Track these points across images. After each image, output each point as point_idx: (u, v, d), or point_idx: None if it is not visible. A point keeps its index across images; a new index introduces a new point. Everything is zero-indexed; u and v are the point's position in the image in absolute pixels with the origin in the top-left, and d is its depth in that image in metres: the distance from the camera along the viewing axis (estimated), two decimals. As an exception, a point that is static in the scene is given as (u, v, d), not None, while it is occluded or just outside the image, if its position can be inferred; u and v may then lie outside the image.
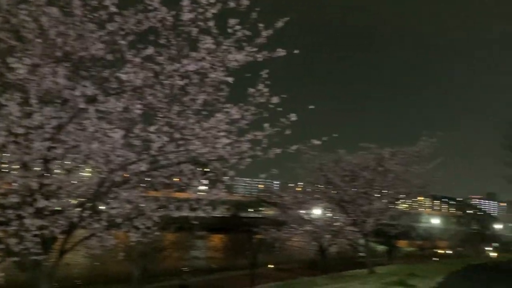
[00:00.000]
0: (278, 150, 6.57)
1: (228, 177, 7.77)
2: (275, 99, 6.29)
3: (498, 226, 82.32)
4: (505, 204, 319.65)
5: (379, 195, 21.12)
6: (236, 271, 37.64)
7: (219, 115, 5.83)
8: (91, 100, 5.26)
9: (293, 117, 6.10)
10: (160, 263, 33.36)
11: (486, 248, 69.90)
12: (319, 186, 22.67)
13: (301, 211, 26.58)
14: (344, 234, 26.23)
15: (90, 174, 6.67)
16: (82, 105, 5.05)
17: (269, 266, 43.37)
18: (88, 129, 5.25)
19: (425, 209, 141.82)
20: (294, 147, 6.66)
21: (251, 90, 6.23)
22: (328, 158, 21.54)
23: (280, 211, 28.06)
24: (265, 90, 6.25)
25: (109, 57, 5.56)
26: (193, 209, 8.26)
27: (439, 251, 68.02)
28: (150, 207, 7.57)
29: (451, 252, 60.51)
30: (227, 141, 5.72)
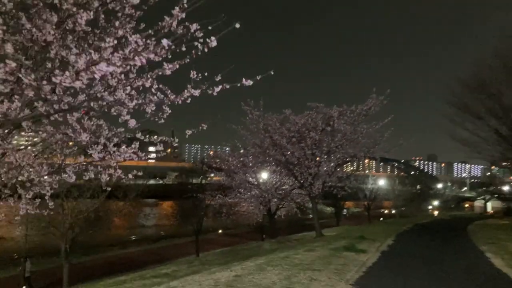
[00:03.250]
0: (196, 92, 5.05)
1: (143, 136, 6.21)
2: (194, 27, 4.69)
3: (438, 186, 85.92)
4: (444, 164, 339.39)
5: (326, 157, 20.19)
6: (185, 237, 36.65)
7: (108, 41, 4.13)
8: None
9: (213, 41, 4.54)
10: (101, 234, 31.71)
11: (429, 207, 72.81)
12: (265, 148, 21.28)
13: (248, 175, 25.43)
14: (292, 197, 25.43)
15: None
16: None
17: (219, 231, 42.82)
18: None
19: (371, 170, 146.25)
20: (218, 88, 5.11)
21: (166, 18, 4.59)
22: (273, 119, 20.27)
23: (226, 176, 26.81)
24: (182, 15, 4.63)
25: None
26: (96, 174, 6.68)
27: (385, 211, 70.12)
28: (39, 173, 5.90)
29: (395, 211, 62.26)
30: (107, 68, 3.98)
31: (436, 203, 73.97)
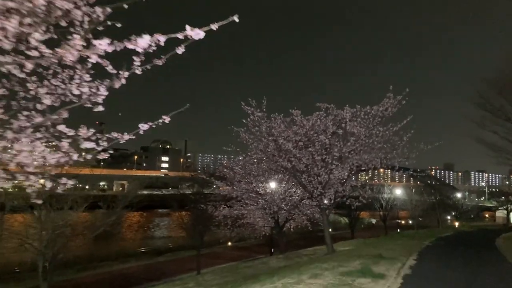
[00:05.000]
0: (104, 45, 3.05)
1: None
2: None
3: (457, 195, 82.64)
4: (461, 173, 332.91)
5: (338, 163, 17.92)
6: (192, 250, 34.74)
7: None
8: None
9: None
10: (110, 247, 30.09)
11: (447, 217, 69.77)
12: (270, 153, 19.03)
13: (253, 185, 23.32)
14: (301, 209, 23.21)
15: None
16: None
17: (228, 244, 40.83)
18: None
19: (386, 180, 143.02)
20: (143, 41, 3.09)
21: None
22: (277, 120, 18.17)
23: (229, 185, 24.76)
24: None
25: None
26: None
27: (401, 221, 67.37)
28: None
29: (412, 222, 59.65)
30: None
31: (455, 213, 70.83)
